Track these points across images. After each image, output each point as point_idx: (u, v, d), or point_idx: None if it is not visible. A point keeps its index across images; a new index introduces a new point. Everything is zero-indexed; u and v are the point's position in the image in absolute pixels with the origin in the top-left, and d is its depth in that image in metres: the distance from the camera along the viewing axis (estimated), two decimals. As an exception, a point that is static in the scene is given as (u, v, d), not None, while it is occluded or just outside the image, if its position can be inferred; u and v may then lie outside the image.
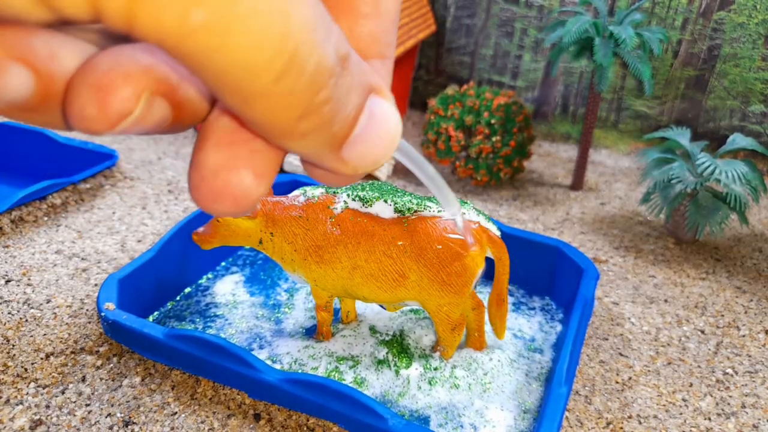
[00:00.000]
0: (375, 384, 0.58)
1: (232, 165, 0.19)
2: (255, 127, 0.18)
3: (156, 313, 0.68)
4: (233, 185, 0.19)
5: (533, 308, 0.72)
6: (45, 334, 0.63)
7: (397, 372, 0.59)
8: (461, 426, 0.54)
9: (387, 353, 0.61)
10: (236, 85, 0.16)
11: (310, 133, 0.18)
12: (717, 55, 1.07)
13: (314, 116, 0.18)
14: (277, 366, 0.60)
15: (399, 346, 0.62)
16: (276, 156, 0.20)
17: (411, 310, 0.68)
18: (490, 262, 0.77)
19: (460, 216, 0.32)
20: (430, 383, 0.58)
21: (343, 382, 0.58)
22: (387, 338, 0.63)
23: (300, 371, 0.59)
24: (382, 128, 0.20)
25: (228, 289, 0.72)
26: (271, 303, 0.70)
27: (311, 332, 0.66)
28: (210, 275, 0.75)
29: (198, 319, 0.67)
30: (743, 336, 0.69)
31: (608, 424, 0.56)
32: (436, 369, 0.60)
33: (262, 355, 0.62)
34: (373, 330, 0.65)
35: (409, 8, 1.15)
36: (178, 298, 0.70)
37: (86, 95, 0.16)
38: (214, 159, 0.19)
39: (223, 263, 0.77)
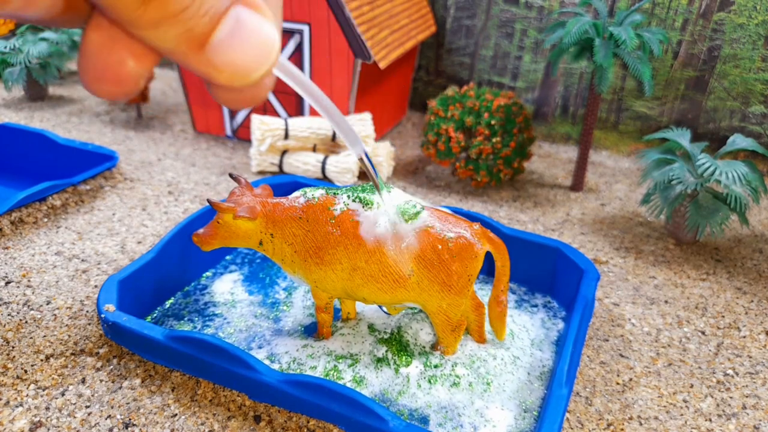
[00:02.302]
0: (374, 382, 0.58)
1: (112, 45, 0.21)
2: (107, 13, 0.20)
3: (154, 312, 0.68)
4: (114, 62, 0.21)
5: (536, 305, 0.72)
6: (45, 336, 0.63)
7: (396, 370, 0.59)
8: (461, 426, 0.54)
9: (386, 351, 0.61)
10: None
11: (160, 23, 0.19)
12: (717, 56, 1.07)
13: (155, 2, 0.19)
14: (276, 365, 0.60)
15: (398, 344, 0.62)
16: None
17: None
18: (489, 262, 0.77)
19: (364, 153, 0.34)
20: (429, 381, 0.58)
21: (342, 381, 0.58)
22: (386, 336, 0.63)
23: (299, 370, 0.59)
24: (252, 37, 0.21)
25: (226, 287, 0.72)
26: (270, 301, 0.70)
27: (310, 331, 0.66)
28: (208, 274, 0.75)
29: (196, 318, 0.67)
30: (744, 337, 0.69)
31: (609, 425, 0.56)
32: (436, 367, 0.60)
33: (260, 354, 0.62)
34: (371, 328, 0.65)
35: (409, 9, 1.15)
36: (176, 297, 0.70)
37: None
38: (96, 39, 0.21)
39: (221, 262, 0.77)
